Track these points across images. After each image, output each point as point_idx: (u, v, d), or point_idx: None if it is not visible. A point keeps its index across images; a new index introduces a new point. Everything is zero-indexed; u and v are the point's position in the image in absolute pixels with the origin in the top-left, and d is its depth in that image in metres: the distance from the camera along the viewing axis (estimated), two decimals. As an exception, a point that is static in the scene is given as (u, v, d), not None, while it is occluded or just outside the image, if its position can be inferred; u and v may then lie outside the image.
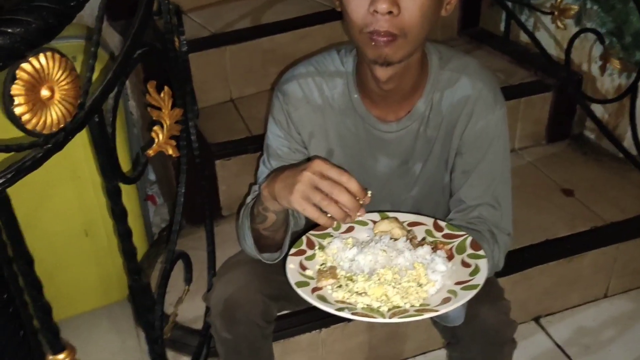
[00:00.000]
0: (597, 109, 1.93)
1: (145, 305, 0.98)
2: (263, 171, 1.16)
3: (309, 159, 1.12)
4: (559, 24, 1.86)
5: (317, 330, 1.40)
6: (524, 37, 2.09)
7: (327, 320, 1.40)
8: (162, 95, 0.95)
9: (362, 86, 1.09)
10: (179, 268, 1.27)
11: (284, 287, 1.02)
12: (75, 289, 1.65)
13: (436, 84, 1.09)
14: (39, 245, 1.55)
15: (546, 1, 2.00)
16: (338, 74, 1.11)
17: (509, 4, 2.09)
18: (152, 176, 2.09)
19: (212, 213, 1.32)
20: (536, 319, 1.62)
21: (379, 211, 1.03)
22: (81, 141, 1.45)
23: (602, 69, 1.79)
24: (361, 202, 0.88)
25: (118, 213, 0.88)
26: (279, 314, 1.20)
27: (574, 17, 1.85)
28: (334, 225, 0.91)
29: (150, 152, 0.95)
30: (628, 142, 1.79)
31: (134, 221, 1.62)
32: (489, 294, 1.07)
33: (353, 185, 0.87)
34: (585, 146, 1.97)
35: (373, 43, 0.94)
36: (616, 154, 1.87)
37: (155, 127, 0.95)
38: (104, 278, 1.68)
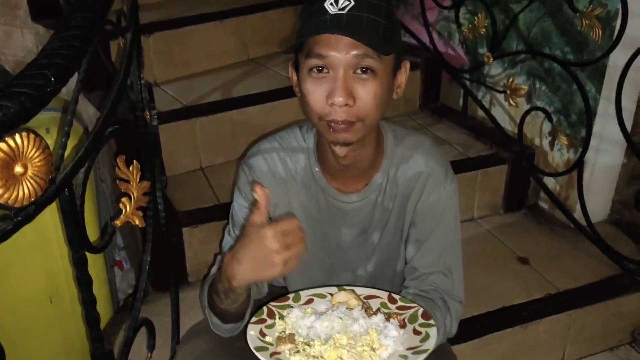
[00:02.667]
0: (550, 181, 2.04)
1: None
2: (227, 241, 1.20)
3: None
4: (511, 101, 1.99)
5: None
6: (481, 113, 2.22)
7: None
8: (131, 169, 1.01)
9: (322, 161, 1.16)
10: (143, 335, 1.29)
11: (246, 355, 1.04)
12: (38, 355, 1.63)
13: (391, 160, 1.17)
14: (2, 310, 1.56)
15: (500, 80, 2.15)
16: (300, 150, 1.19)
17: (467, 82, 2.24)
18: (120, 241, 2.11)
19: (177, 280, 1.35)
20: (496, 386, 1.65)
21: (337, 285, 1.08)
22: (49, 208, 1.49)
23: (552, 144, 1.91)
24: None
25: (84, 282, 0.91)
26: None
27: (524, 96, 1.99)
28: None
29: (118, 222, 1.00)
30: (578, 213, 1.89)
31: (99, 288, 1.64)
32: (441, 358, 1.11)
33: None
34: (540, 216, 2.07)
35: (332, 130, 1.01)
36: (568, 224, 1.97)
37: (124, 199, 1.00)
38: (67, 344, 1.67)
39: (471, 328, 1.58)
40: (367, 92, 0.98)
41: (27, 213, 0.76)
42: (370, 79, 0.98)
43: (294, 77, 1.07)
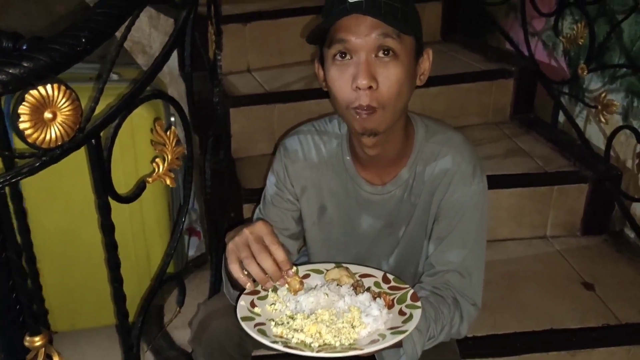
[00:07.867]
0: (639, 207, 1.88)
1: (123, 313, 1.11)
2: (257, 216, 1.27)
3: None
4: (602, 118, 1.87)
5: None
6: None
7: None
8: (168, 133, 1.11)
9: (353, 150, 1.19)
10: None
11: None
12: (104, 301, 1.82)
13: (420, 154, 1.17)
14: (79, 253, 1.76)
15: (598, 96, 2.02)
16: (335, 137, 1.22)
17: (561, 94, 2.13)
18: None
19: (221, 248, 1.44)
20: (536, 411, 1.57)
21: (335, 262, 1.11)
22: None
23: (638, 167, 1.77)
24: (284, 273, 0.97)
25: (107, 227, 1.03)
26: (257, 353, 1.27)
27: (615, 112, 1.85)
28: (250, 287, 0.98)
29: (150, 180, 1.10)
30: (663, 245, 1.74)
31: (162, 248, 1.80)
32: (441, 355, 1.10)
33: (280, 255, 0.96)
34: (622, 244, 1.92)
35: (358, 117, 1.04)
36: (651, 255, 1.81)
37: (157, 159, 1.10)
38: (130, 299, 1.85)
39: (509, 343, 1.52)
40: (389, 75, 1.00)
41: (53, 155, 0.87)
42: (391, 61, 1.00)
43: (320, 73, 1.11)
